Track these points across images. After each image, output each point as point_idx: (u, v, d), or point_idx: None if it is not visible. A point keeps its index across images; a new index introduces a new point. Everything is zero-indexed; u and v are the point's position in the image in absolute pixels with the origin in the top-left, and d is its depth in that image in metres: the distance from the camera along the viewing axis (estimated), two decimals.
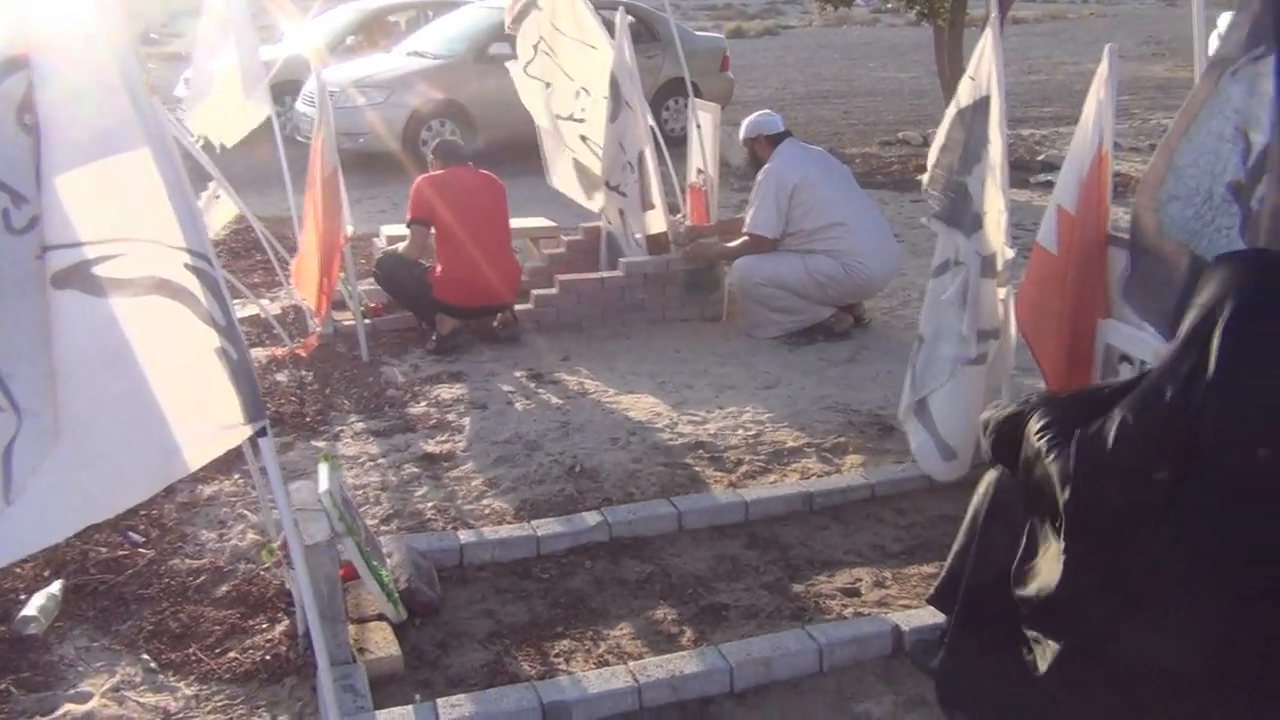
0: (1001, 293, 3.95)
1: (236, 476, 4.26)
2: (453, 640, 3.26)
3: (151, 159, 2.19)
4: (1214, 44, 3.31)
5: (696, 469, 4.38)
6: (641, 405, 5.03)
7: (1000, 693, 2.79)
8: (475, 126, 11.03)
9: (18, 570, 3.56)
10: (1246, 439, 2.33)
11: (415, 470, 4.39)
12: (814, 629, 3.20)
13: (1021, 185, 9.78)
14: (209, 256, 2.29)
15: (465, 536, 3.75)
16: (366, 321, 5.87)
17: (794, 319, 5.98)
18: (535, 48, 6.87)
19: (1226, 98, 3.10)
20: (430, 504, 4.10)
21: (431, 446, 4.60)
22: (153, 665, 3.16)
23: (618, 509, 3.95)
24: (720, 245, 6.23)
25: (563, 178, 7.21)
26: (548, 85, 6.91)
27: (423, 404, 5.07)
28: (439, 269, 5.76)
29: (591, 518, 3.87)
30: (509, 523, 3.92)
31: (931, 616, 3.18)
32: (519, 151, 7.70)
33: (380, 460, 4.48)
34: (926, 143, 11.60)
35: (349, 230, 5.88)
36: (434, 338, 5.81)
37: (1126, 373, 3.50)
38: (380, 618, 3.24)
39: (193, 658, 3.18)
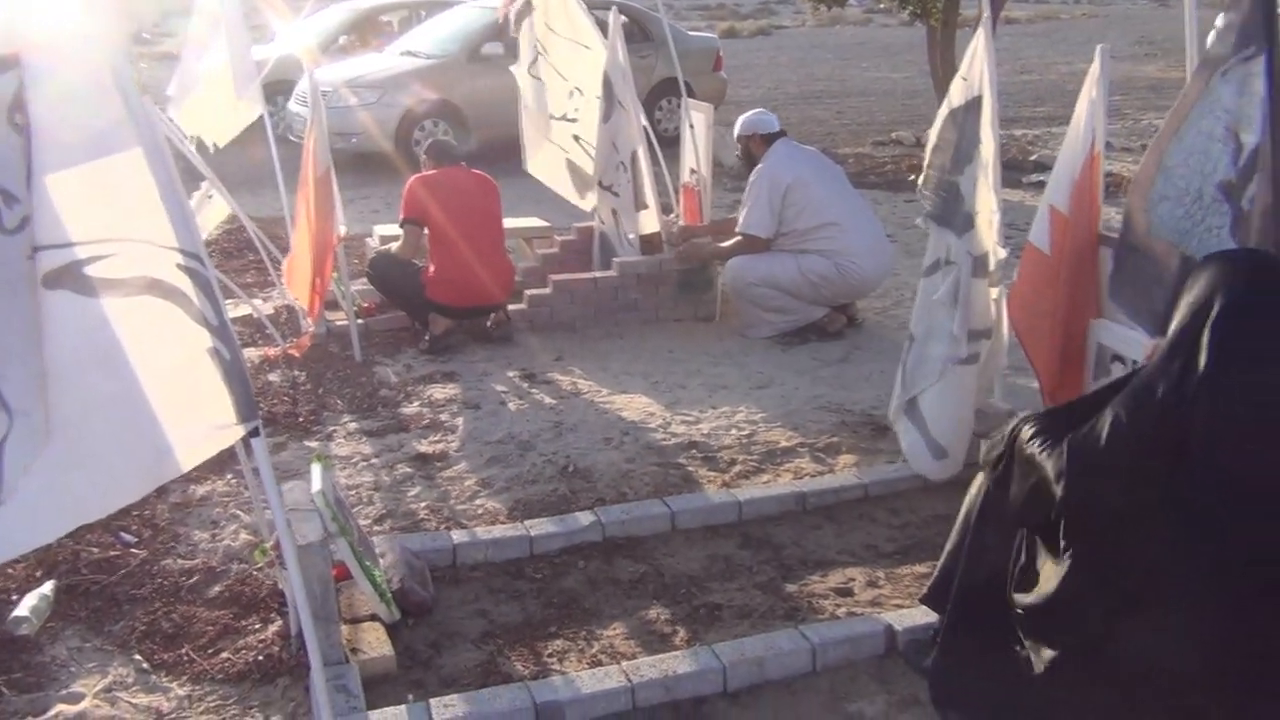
0: (994, 293, 3.96)
1: (229, 476, 4.25)
2: (446, 640, 3.26)
3: (144, 159, 2.19)
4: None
5: (690, 469, 4.38)
6: (635, 405, 5.03)
7: (993, 692, 2.79)
8: (468, 126, 11.02)
9: (9, 571, 3.55)
10: (1237, 437, 2.34)
11: (408, 470, 4.38)
12: (807, 629, 3.20)
13: (1014, 185, 9.79)
14: (201, 256, 2.28)
15: (458, 536, 3.74)
16: (359, 321, 5.86)
17: (787, 319, 5.98)
18: (536, 49, 6.87)
19: (1217, 98, 3.12)
20: (423, 504, 4.10)
21: (425, 446, 4.60)
22: (145, 666, 3.16)
23: (611, 509, 3.95)
24: (713, 245, 6.23)
25: (551, 174, 7.20)
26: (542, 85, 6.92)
27: (416, 404, 5.06)
28: (432, 269, 5.75)
29: (585, 518, 3.87)
30: (502, 523, 3.92)
31: (924, 616, 3.19)
32: (512, 151, 7.69)
33: (373, 460, 4.48)
34: (919, 143, 11.62)
35: (342, 230, 5.87)
36: (427, 338, 5.80)
37: (1118, 372, 3.51)
38: (373, 618, 3.24)
39: (185, 658, 3.17)
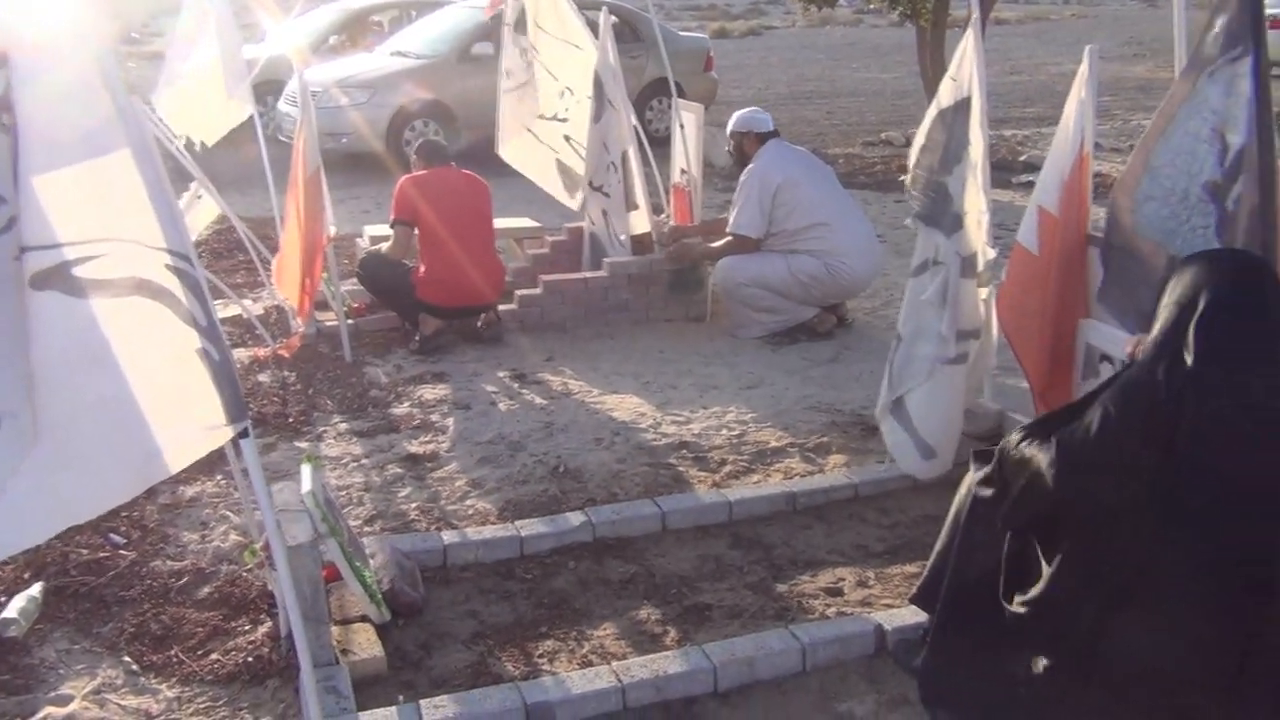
0: (983, 293, 3.97)
1: (219, 477, 4.24)
2: (436, 641, 3.26)
3: (132, 159, 2.18)
4: None
5: (680, 469, 4.38)
6: (625, 405, 5.04)
7: (984, 692, 2.80)
8: (459, 126, 11.01)
9: None
10: (1224, 437, 2.35)
11: (398, 471, 4.38)
12: (797, 629, 3.20)
13: (1004, 186, 9.82)
14: (190, 257, 2.28)
15: (449, 537, 3.74)
16: (349, 322, 5.85)
17: (777, 319, 5.99)
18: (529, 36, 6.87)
19: (1204, 98, 3.13)
20: (414, 505, 4.10)
21: (415, 447, 4.59)
22: (134, 667, 3.14)
23: (601, 509, 3.95)
24: (704, 245, 6.23)
25: (530, 165, 7.17)
26: (530, 84, 6.91)
27: (406, 404, 5.06)
28: (422, 269, 5.75)
29: (575, 518, 3.87)
30: (492, 523, 3.92)
31: (914, 616, 3.19)
32: None
33: (363, 461, 4.47)
34: (909, 143, 11.63)
35: (331, 230, 5.86)
36: (417, 338, 5.79)
37: (1107, 372, 3.53)
38: (364, 619, 3.23)
39: (174, 660, 3.16)
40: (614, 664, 3.05)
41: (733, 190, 6.29)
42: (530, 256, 6.99)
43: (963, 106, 3.85)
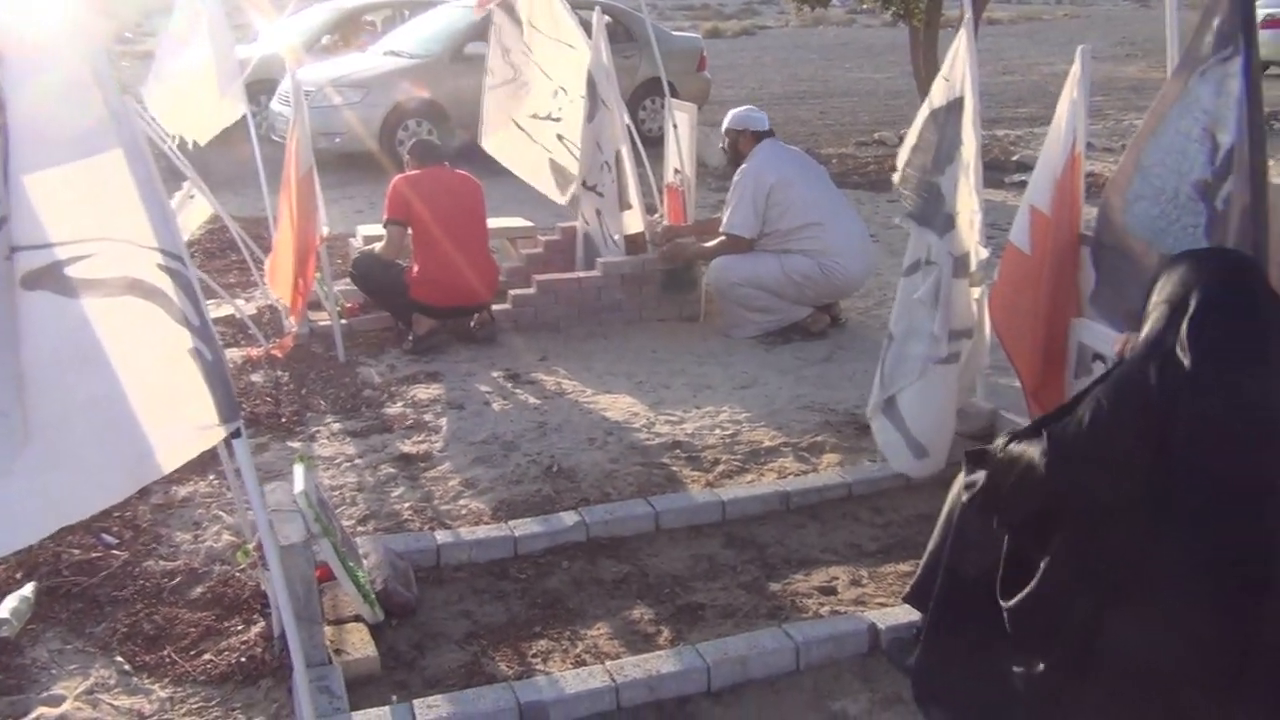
0: (975, 292, 3.98)
1: (211, 477, 4.24)
2: (429, 641, 3.26)
3: (124, 159, 2.18)
4: None
5: (674, 469, 4.38)
6: (619, 405, 5.04)
7: (977, 690, 2.80)
8: (452, 126, 11.00)
9: None
10: (1217, 438, 2.36)
11: (392, 471, 4.37)
12: (791, 628, 3.21)
13: (996, 185, 9.84)
14: (182, 256, 2.28)
15: (442, 537, 3.74)
16: (343, 321, 5.84)
17: (771, 318, 6.00)
18: (519, 36, 6.87)
19: (1195, 98, 3.14)
20: (407, 504, 4.09)
21: (408, 447, 4.59)
22: (127, 668, 3.14)
23: (595, 509, 3.95)
24: (697, 245, 6.24)
25: (516, 161, 7.15)
26: (524, 84, 6.90)
27: (399, 404, 5.05)
28: (416, 269, 5.74)
29: (569, 518, 3.87)
30: (486, 523, 3.92)
31: (907, 615, 3.20)
32: None
33: (357, 461, 4.47)
34: (902, 143, 11.65)
35: (325, 230, 5.86)
36: (411, 338, 5.79)
37: (1099, 370, 3.53)
38: (357, 619, 3.23)
39: (167, 660, 3.16)
40: (607, 663, 3.05)
41: (726, 190, 6.29)
42: (524, 256, 6.99)
43: (955, 106, 3.86)
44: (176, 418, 2.28)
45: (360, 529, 3.89)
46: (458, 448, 4.58)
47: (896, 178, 4.18)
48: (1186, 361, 2.37)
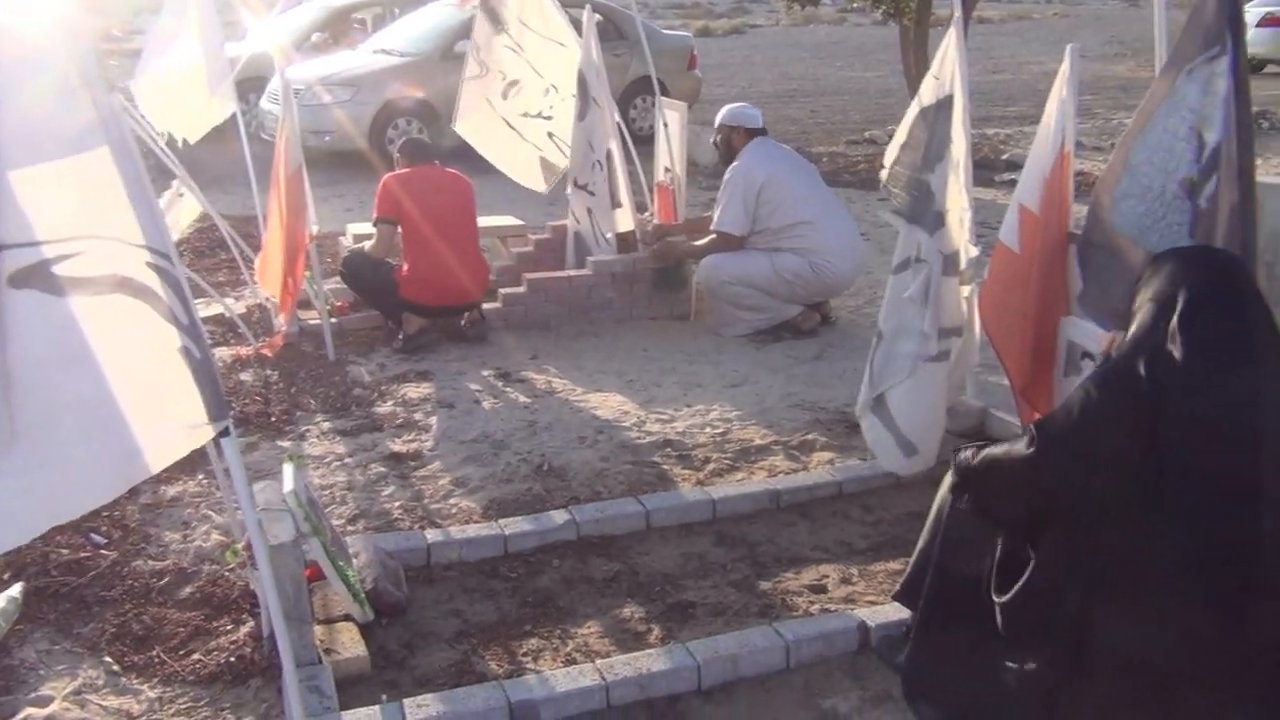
0: (965, 290, 3.98)
1: (200, 477, 4.22)
2: (420, 640, 3.25)
3: (111, 157, 2.17)
4: None
5: (664, 467, 4.38)
6: (609, 404, 5.04)
7: (967, 688, 2.81)
8: (442, 124, 10.96)
9: None
10: (1207, 438, 2.37)
11: (382, 470, 4.37)
12: (781, 626, 3.21)
13: (986, 184, 9.86)
14: (170, 255, 2.27)
15: (432, 536, 3.73)
16: (333, 320, 5.83)
17: (761, 317, 6.00)
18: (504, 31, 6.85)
19: (1182, 96, 3.15)
20: (397, 503, 4.09)
21: (398, 446, 4.58)
22: (115, 668, 3.13)
23: (585, 507, 3.94)
24: (688, 243, 6.24)
25: (491, 148, 7.13)
26: (515, 82, 6.89)
27: (389, 403, 5.05)
28: (406, 268, 5.73)
29: (559, 516, 3.87)
30: (476, 522, 3.91)
31: (897, 613, 3.20)
32: None
33: (346, 460, 4.46)
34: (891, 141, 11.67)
35: (314, 229, 5.84)
36: (401, 336, 5.78)
37: (1088, 368, 3.54)
38: (347, 618, 3.23)
39: (156, 660, 3.15)
40: (598, 662, 3.05)
41: (716, 188, 6.29)
42: (514, 255, 6.99)
43: (945, 105, 3.86)
44: (165, 417, 2.27)
45: (350, 528, 3.89)
46: (448, 446, 4.57)
47: (885, 175, 4.19)
48: (1175, 360, 2.38)
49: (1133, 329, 2.51)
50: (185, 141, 6.28)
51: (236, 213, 7.79)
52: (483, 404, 5.04)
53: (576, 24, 6.44)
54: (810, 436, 4.66)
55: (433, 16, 12.25)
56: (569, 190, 6.67)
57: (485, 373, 5.45)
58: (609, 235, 6.33)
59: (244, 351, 5.59)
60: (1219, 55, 3.00)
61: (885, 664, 3.10)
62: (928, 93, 3.96)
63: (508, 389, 5.24)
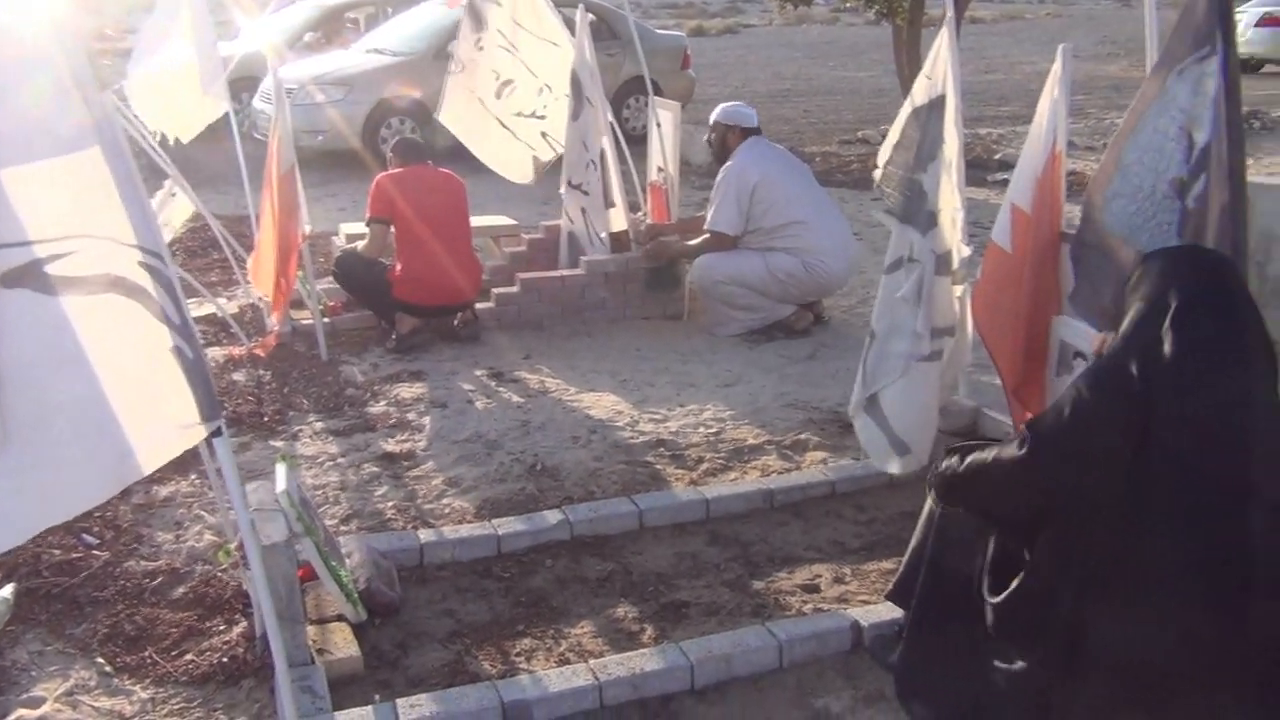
0: (958, 290, 3.99)
1: (193, 477, 4.22)
2: (413, 640, 3.25)
3: (103, 156, 2.17)
4: None
5: (657, 467, 4.39)
6: (602, 403, 5.04)
7: (959, 687, 2.81)
8: (435, 124, 10.95)
9: None
10: (1198, 438, 2.37)
11: (375, 470, 4.36)
12: (774, 625, 3.21)
13: (979, 184, 9.88)
14: (162, 254, 2.27)
15: (425, 536, 3.73)
16: (325, 320, 5.82)
17: (754, 316, 6.01)
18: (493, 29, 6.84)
19: (1172, 96, 3.16)
20: (390, 503, 4.08)
21: (391, 446, 4.58)
22: (108, 669, 3.12)
23: (579, 507, 3.95)
24: (681, 243, 6.24)
25: (479, 143, 7.11)
26: (508, 82, 6.89)
27: (382, 403, 5.04)
28: (399, 267, 5.73)
29: (552, 516, 3.87)
30: (469, 522, 3.91)
31: (890, 612, 3.21)
32: None
33: (339, 460, 4.46)
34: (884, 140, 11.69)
35: (307, 229, 5.83)
36: (394, 336, 5.78)
37: (1080, 368, 3.55)
38: (340, 618, 3.22)
39: (148, 661, 3.14)
40: (591, 662, 3.05)
41: (710, 188, 6.29)
42: (508, 255, 6.98)
43: (937, 104, 3.87)
44: (158, 417, 2.27)
45: (343, 528, 3.88)
46: (441, 446, 4.57)
47: (878, 175, 4.19)
48: (1167, 359, 2.38)
49: (1124, 328, 2.51)
50: (178, 141, 6.27)
51: (229, 212, 7.78)
52: (476, 404, 5.04)
53: (570, 23, 6.44)
54: (803, 436, 4.66)
55: (425, 16, 12.24)
56: (563, 190, 6.67)
57: (478, 372, 5.44)
58: (602, 235, 6.33)
59: (236, 351, 5.58)
60: (1209, 55, 3.01)
61: (878, 663, 3.10)
62: (920, 92, 3.96)
63: (501, 389, 5.24)
